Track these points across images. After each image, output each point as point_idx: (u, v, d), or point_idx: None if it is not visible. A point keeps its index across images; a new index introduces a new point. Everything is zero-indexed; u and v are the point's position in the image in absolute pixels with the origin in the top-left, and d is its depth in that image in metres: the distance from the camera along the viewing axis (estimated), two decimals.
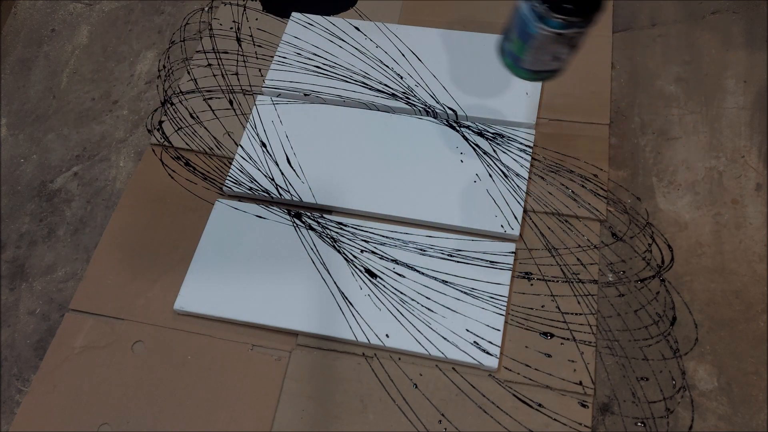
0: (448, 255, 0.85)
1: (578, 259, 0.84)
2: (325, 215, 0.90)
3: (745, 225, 0.86)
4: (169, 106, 1.03)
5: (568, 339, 0.79)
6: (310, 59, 1.05)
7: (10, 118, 1.11)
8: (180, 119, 1.02)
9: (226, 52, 1.09)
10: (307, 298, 0.83)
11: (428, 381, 0.78)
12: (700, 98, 0.98)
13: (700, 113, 0.96)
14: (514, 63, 0.71)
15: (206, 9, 1.16)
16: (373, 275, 0.84)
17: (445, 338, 0.79)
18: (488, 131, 0.94)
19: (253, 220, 0.90)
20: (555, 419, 0.74)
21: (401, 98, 0.98)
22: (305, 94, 1.01)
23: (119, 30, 1.19)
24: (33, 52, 1.19)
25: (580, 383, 0.76)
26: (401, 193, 0.90)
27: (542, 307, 0.81)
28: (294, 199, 0.91)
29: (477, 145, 0.93)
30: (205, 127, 1.00)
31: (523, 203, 0.88)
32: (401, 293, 0.82)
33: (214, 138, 0.99)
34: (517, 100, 0.96)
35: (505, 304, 0.81)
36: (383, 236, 0.87)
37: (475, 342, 0.78)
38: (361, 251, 0.86)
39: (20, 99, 1.13)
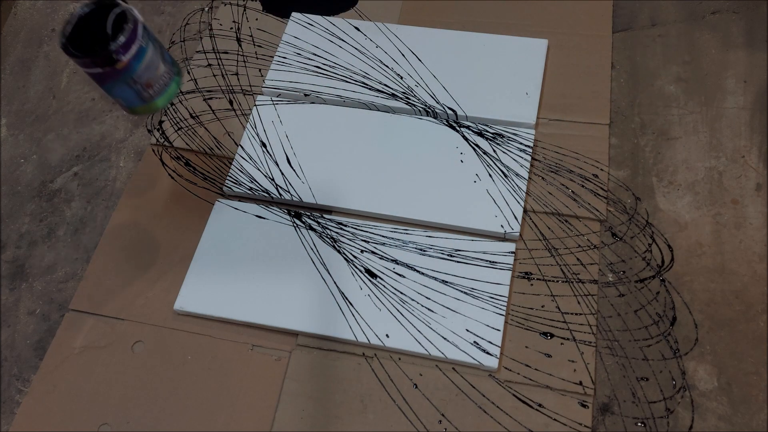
0: (448, 255, 0.85)
1: (578, 259, 0.84)
2: (325, 215, 0.90)
3: (745, 225, 0.86)
4: (169, 106, 1.03)
5: (568, 339, 0.79)
6: (310, 59, 1.05)
7: (10, 118, 1.11)
8: (180, 119, 1.02)
9: (226, 52, 1.09)
10: (307, 298, 0.83)
11: (428, 381, 0.78)
12: (700, 98, 0.98)
13: (700, 113, 0.96)
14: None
15: (206, 9, 1.16)
16: (373, 275, 0.84)
17: (445, 338, 0.79)
18: (488, 131, 0.94)
19: (253, 220, 0.90)
20: (555, 419, 0.74)
21: (401, 98, 0.98)
22: (305, 94, 1.01)
23: None
24: (33, 52, 1.19)
25: (580, 383, 0.76)
26: (401, 193, 0.90)
27: (542, 307, 0.81)
28: (294, 199, 0.91)
29: (477, 145, 0.93)
30: (205, 127, 1.00)
31: (523, 203, 0.88)
32: (401, 293, 0.82)
33: (214, 138, 0.99)
34: (517, 100, 0.96)
35: (505, 304, 0.81)
36: (383, 236, 0.87)
37: (475, 342, 0.78)
38: (361, 251, 0.86)
39: (20, 99, 1.13)
